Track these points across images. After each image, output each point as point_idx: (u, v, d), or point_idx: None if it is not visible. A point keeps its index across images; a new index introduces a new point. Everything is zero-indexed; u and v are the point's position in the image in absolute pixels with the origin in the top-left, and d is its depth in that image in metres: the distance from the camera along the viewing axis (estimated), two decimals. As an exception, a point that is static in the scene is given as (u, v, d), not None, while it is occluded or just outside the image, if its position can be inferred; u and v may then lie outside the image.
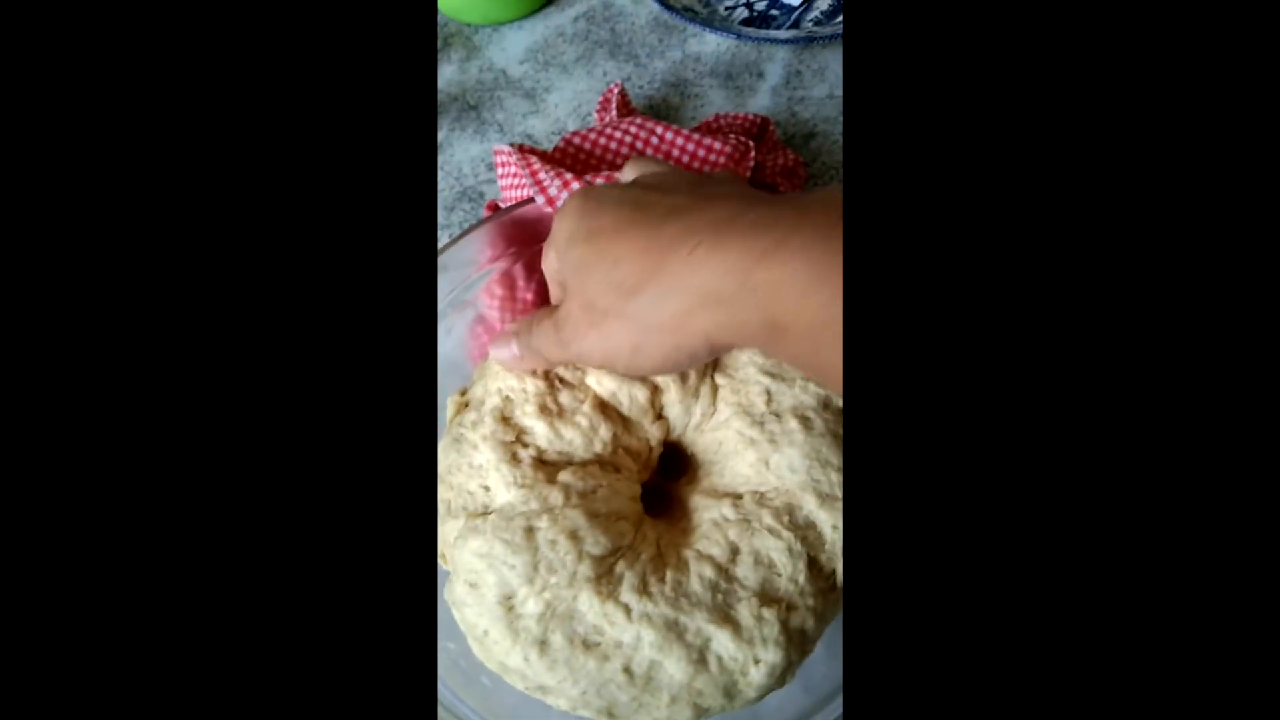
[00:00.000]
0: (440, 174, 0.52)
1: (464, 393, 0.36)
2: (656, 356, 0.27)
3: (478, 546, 0.30)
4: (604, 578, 0.29)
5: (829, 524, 0.31)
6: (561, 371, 0.33)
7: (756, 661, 0.29)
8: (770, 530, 0.30)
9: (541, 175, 0.39)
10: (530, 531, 0.29)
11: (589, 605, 0.29)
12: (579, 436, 0.32)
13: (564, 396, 0.33)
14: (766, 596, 0.29)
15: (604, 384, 0.33)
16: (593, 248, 0.26)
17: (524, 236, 0.39)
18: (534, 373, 0.33)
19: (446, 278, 0.38)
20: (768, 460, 0.32)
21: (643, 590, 0.29)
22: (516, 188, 0.42)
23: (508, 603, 0.29)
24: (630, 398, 0.33)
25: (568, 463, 0.32)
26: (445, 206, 0.50)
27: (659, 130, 0.42)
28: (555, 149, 0.43)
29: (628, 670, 0.28)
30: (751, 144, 0.42)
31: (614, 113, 0.46)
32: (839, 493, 0.31)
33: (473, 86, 0.55)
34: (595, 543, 0.29)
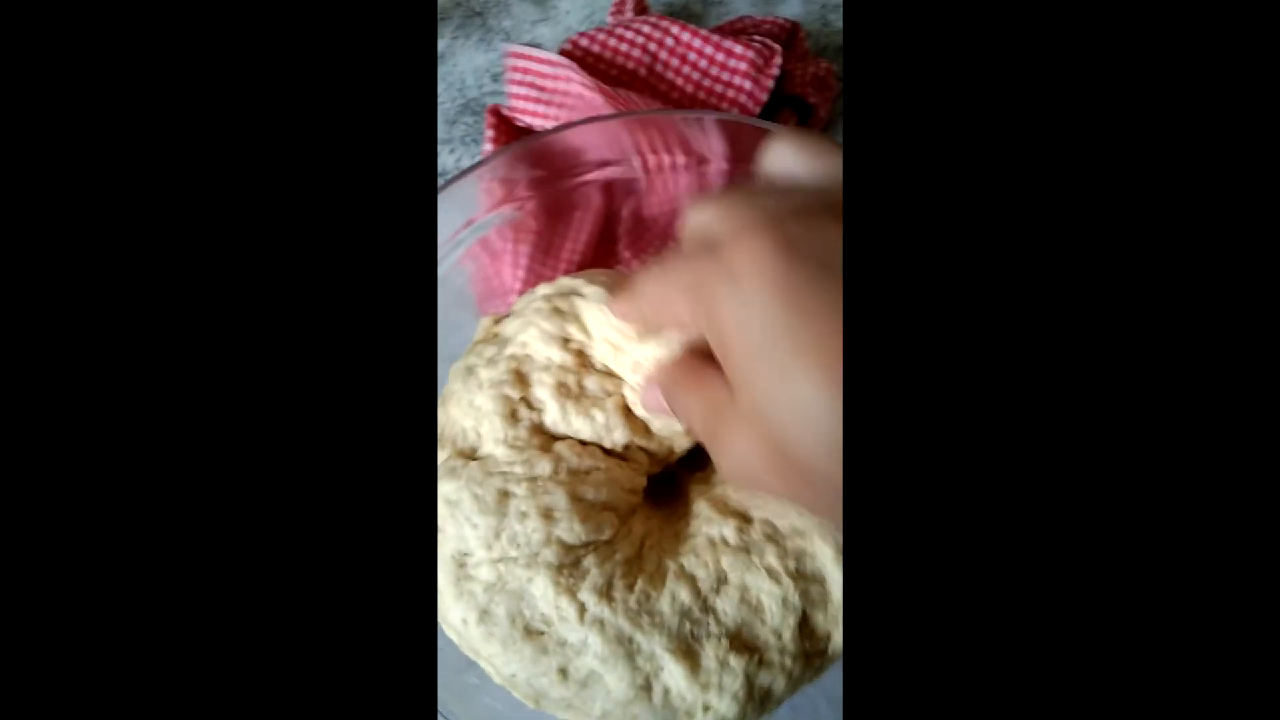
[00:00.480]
0: (442, 85, 0.48)
1: (498, 321, 0.32)
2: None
3: (448, 491, 0.27)
4: (567, 568, 0.26)
5: (839, 583, 0.27)
6: (602, 355, 0.29)
7: (706, 708, 0.25)
8: (769, 571, 0.27)
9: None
10: (504, 495, 0.27)
11: (542, 592, 0.26)
12: (588, 428, 0.28)
13: (590, 381, 0.28)
14: (740, 642, 0.26)
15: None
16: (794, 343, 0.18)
17: (546, 164, 0.35)
18: (565, 343, 0.29)
19: (455, 209, 0.34)
20: None
21: (605, 593, 0.26)
22: (531, 99, 0.38)
23: (461, 559, 0.27)
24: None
25: (568, 437, 0.28)
26: (447, 120, 0.47)
27: (674, 30, 0.38)
28: (561, 50, 0.40)
29: (563, 671, 0.26)
30: (778, 49, 0.38)
31: (629, 13, 0.42)
32: None
33: (479, -9, 0.51)
34: (569, 529, 0.26)
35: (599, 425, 0.28)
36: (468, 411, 0.29)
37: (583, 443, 0.28)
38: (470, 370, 0.30)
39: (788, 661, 0.26)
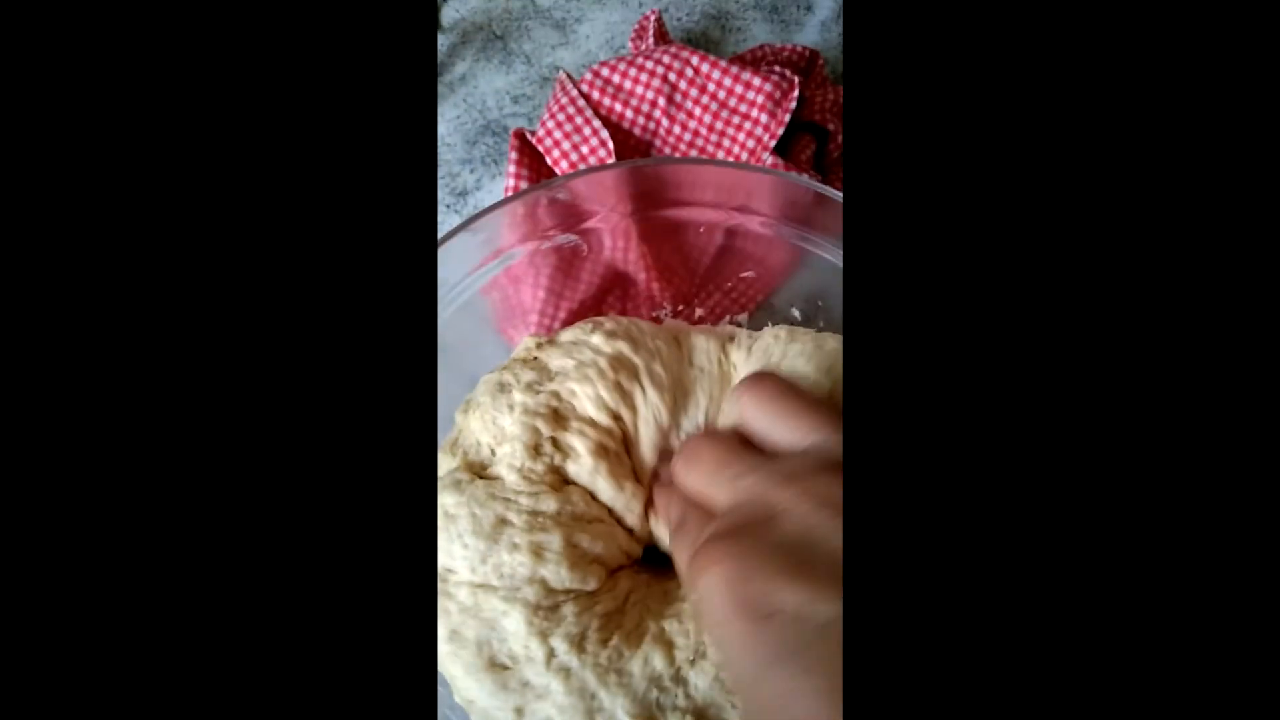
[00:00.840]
0: (463, 106, 0.49)
1: (541, 345, 0.31)
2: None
3: (448, 504, 0.27)
4: (545, 610, 0.26)
5: None
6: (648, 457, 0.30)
7: None
8: None
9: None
10: (501, 523, 0.26)
11: (515, 628, 0.25)
12: (610, 493, 0.28)
13: (631, 459, 0.29)
14: None
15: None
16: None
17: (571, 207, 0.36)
18: (617, 419, 0.29)
19: (483, 242, 0.34)
20: None
21: (577, 643, 0.25)
22: (565, 134, 0.39)
23: (444, 574, 0.27)
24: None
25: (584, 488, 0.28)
26: (467, 140, 0.48)
27: (694, 61, 0.39)
28: (583, 79, 0.40)
29: (519, 711, 0.25)
30: (796, 80, 0.39)
31: (650, 41, 0.43)
32: None
33: (499, 15, 0.52)
34: (555, 572, 0.26)
35: (623, 496, 0.28)
36: (489, 428, 0.29)
37: (594, 497, 0.28)
38: (503, 388, 0.29)
39: None
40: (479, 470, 0.28)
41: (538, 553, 0.26)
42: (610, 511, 0.29)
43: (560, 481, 0.28)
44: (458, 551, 0.26)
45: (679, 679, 0.25)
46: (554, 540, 0.26)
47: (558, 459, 0.28)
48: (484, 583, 0.26)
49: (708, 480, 0.25)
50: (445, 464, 0.29)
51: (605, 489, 0.28)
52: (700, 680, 0.25)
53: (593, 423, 0.29)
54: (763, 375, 0.28)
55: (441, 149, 0.48)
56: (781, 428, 0.25)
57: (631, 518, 0.28)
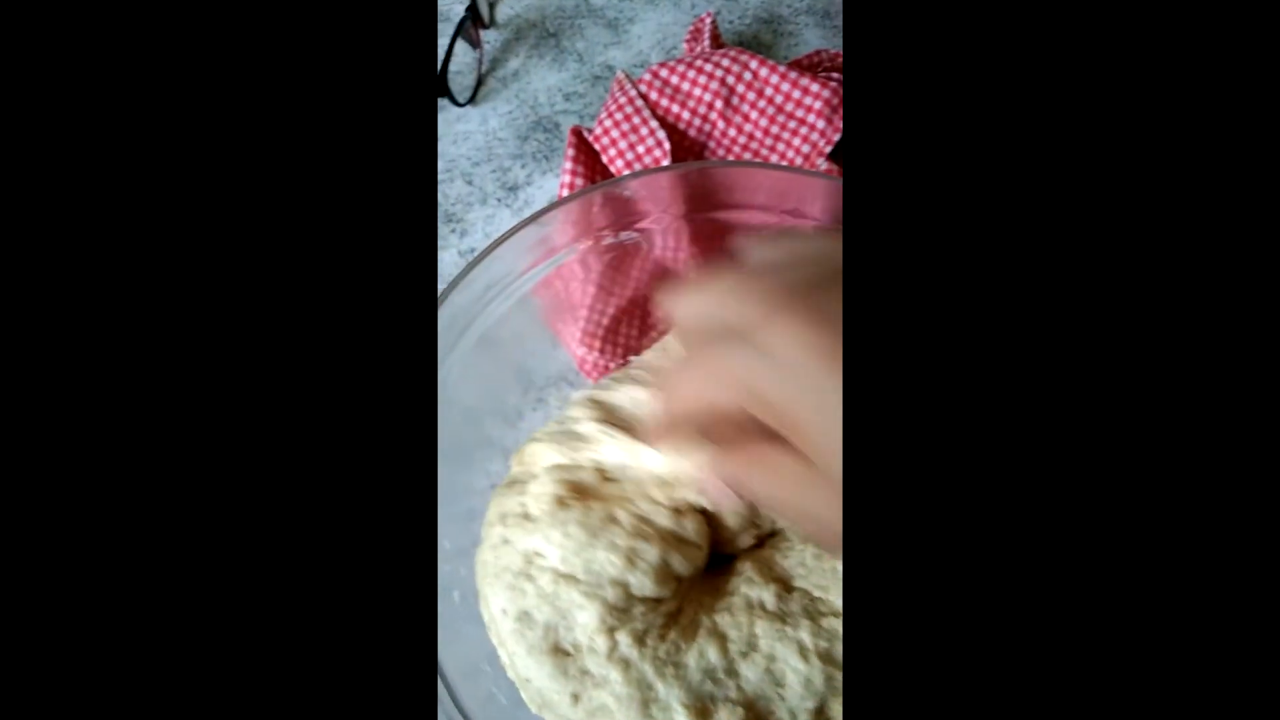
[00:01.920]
0: (515, 102, 0.50)
1: (599, 405, 0.32)
2: None
3: (553, 457, 0.28)
4: (619, 611, 0.26)
5: None
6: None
7: None
8: (800, 648, 0.26)
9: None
10: (610, 521, 0.27)
11: (586, 621, 0.26)
12: (694, 529, 0.29)
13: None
14: (754, 712, 0.26)
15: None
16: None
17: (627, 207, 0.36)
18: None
19: (537, 242, 0.35)
20: (836, 567, 0.28)
21: (640, 638, 0.26)
22: (622, 133, 0.39)
23: (532, 556, 0.27)
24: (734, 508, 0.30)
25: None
26: (519, 136, 0.48)
27: (753, 65, 0.39)
28: (641, 80, 0.41)
29: (576, 697, 0.26)
30: (852, 87, 0.39)
31: (706, 43, 0.43)
32: None
33: (553, 13, 0.53)
34: (640, 581, 0.26)
35: (694, 534, 0.29)
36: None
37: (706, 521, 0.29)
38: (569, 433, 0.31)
39: None
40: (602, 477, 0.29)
41: (631, 559, 0.27)
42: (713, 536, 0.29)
43: (689, 507, 0.29)
44: (556, 538, 0.27)
45: (731, 671, 0.26)
46: (651, 553, 0.27)
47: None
48: (569, 574, 0.27)
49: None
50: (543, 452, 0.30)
51: (687, 527, 0.29)
52: (751, 672, 0.26)
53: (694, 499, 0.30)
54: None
55: (493, 143, 0.49)
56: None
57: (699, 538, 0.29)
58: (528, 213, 0.46)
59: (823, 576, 0.28)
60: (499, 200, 0.47)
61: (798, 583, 0.28)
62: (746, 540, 0.30)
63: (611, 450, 0.29)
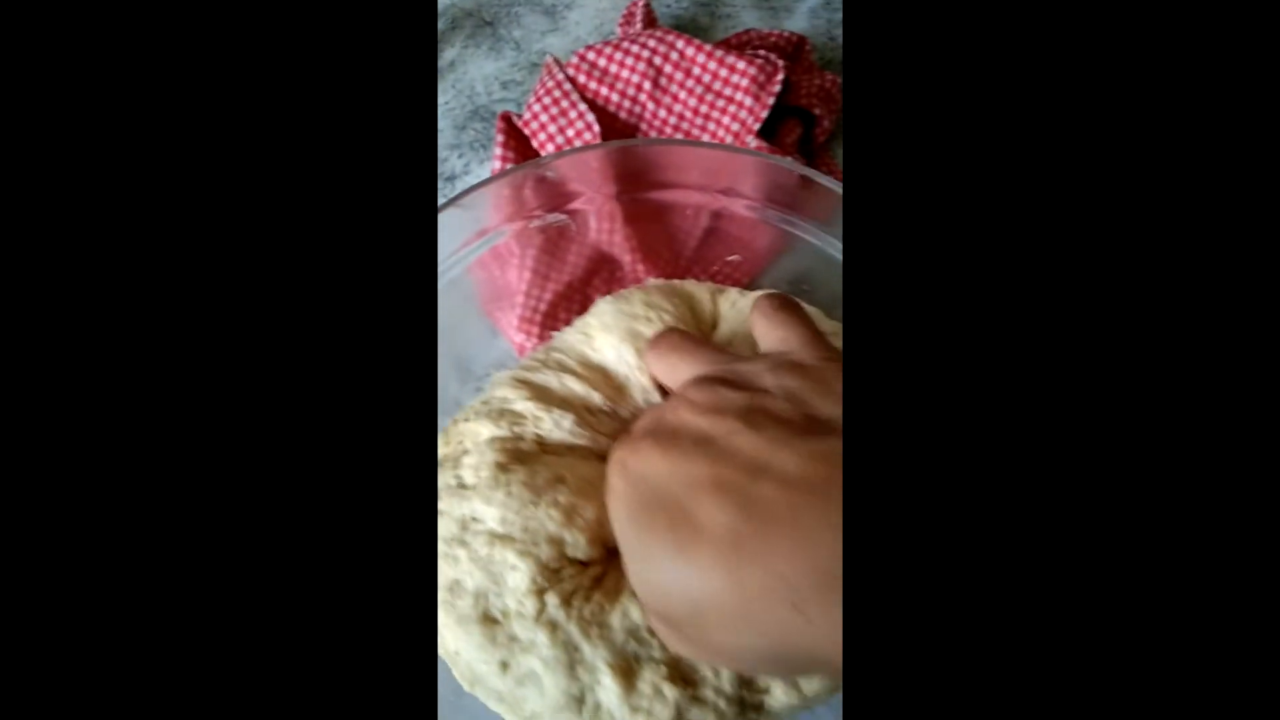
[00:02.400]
0: (451, 92, 0.49)
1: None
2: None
3: (490, 431, 0.28)
4: (550, 572, 0.26)
5: None
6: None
7: None
8: None
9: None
10: (555, 482, 0.27)
11: (517, 583, 0.26)
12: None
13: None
14: (678, 673, 0.26)
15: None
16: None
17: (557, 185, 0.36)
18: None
19: (469, 220, 0.35)
20: None
21: (566, 599, 0.26)
22: (551, 117, 0.39)
23: (466, 522, 0.27)
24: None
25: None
26: (456, 125, 0.48)
27: (679, 45, 0.39)
28: (569, 63, 0.41)
29: (505, 665, 0.26)
30: (780, 63, 0.39)
31: (638, 26, 0.43)
32: None
33: (488, 1, 0.52)
34: (573, 539, 0.27)
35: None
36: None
37: None
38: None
39: (721, 703, 0.26)
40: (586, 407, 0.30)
41: (570, 515, 0.27)
42: None
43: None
44: (498, 498, 0.27)
45: (654, 632, 0.26)
46: (589, 510, 0.27)
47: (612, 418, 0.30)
48: (506, 534, 0.27)
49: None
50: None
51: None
52: None
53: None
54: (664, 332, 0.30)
55: (430, 134, 0.48)
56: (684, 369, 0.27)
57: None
58: (466, 202, 0.46)
59: None
60: (442, 203, 0.47)
61: None
62: None
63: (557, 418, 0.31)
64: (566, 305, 0.41)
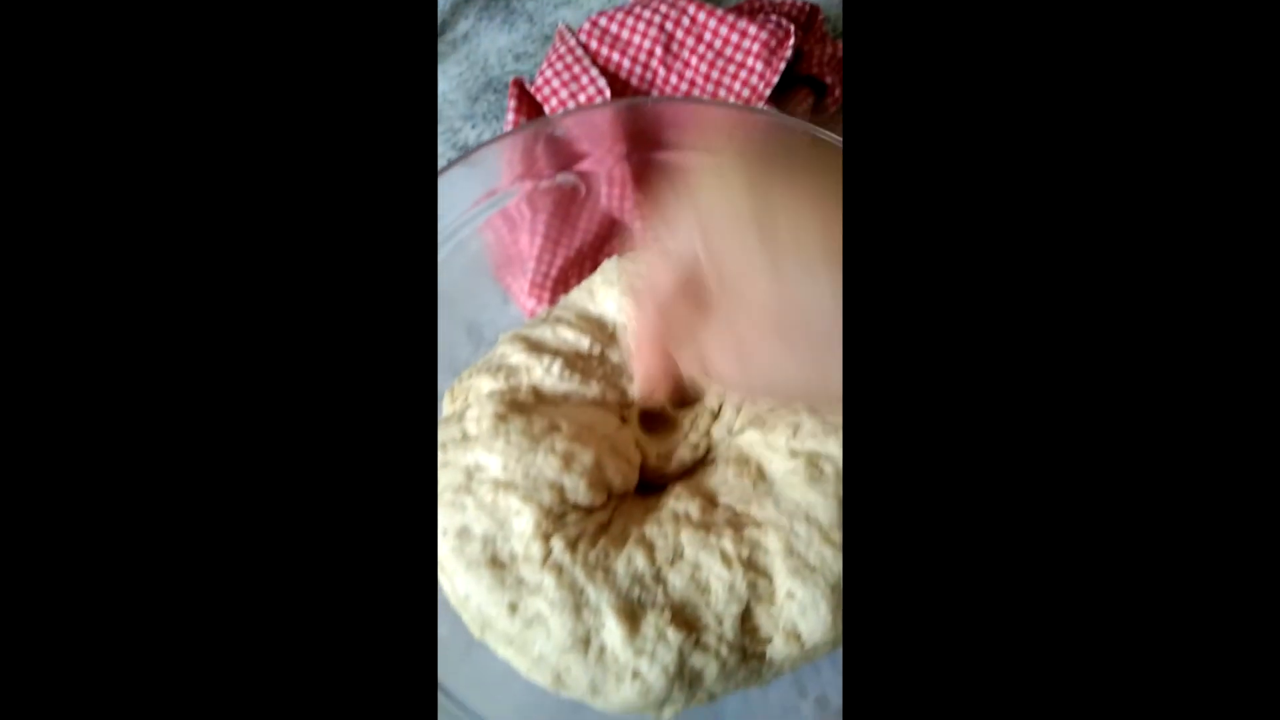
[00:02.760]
0: (465, 64, 0.50)
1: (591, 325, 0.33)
2: None
3: (490, 385, 0.29)
4: (554, 516, 0.27)
5: (785, 589, 0.27)
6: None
7: (635, 675, 0.26)
8: (723, 555, 0.27)
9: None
10: (550, 430, 0.28)
11: (522, 528, 0.27)
12: (627, 443, 0.31)
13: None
14: (682, 617, 0.26)
15: None
16: None
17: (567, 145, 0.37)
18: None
19: (476, 180, 0.35)
20: (756, 483, 0.28)
21: (572, 544, 0.27)
22: (563, 82, 0.39)
23: (471, 471, 0.28)
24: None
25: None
26: (470, 97, 0.48)
27: (691, 10, 0.39)
28: (581, 29, 0.41)
29: (513, 607, 0.27)
30: (791, 28, 0.39)
31: (649, -7, 0.43)
32: (814, 561, 0.27)
33: (504, -26, 0.53)
34: (573, 485, 0.27)
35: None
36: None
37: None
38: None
39: (724, 650, 0.26)
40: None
41: (568, 460, 0.28)
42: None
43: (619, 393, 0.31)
44: (499, 446, 0.28)
45: (659, 578, 0.27)
46: (586, 456, 0.28)
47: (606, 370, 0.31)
48: (509, 480, 0.27)
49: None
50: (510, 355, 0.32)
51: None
52: (677, 579, 0.27)
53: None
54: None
55: (444, 105, 0.49)
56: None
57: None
58: (479, 173, 0.46)
59: (744, 492, 0.29)
60: (450, 161, 0.47)
61: (723, 498, 0.29)
62: (680, 460, 0.31)
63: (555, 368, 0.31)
64: (578, 272, 0.41)
